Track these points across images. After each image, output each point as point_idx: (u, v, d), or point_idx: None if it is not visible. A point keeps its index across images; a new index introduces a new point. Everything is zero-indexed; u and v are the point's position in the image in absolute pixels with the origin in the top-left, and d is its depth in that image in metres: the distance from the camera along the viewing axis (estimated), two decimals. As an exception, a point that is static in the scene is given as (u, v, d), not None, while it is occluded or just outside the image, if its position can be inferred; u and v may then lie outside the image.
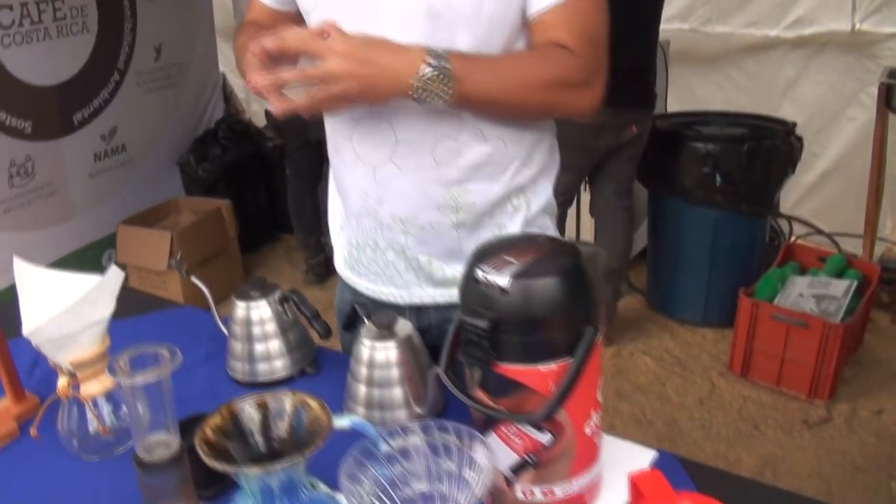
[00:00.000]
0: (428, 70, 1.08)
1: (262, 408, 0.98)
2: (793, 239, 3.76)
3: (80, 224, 3.80)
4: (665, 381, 3.13)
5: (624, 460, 1.16)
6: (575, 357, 0.93)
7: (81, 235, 3.78)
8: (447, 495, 0.82)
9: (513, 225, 1.32)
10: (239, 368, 1.42)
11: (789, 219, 3.87)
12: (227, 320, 1.47)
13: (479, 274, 0.94)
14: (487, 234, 1.30)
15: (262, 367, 1.40)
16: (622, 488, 1.10)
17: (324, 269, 4.06)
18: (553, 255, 0.97)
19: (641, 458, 1.17)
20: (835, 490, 2.49)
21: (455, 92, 1.11)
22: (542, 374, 0.94)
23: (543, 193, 1.35)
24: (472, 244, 1.29)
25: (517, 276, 0.92)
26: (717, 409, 2.93)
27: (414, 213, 1.27)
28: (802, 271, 3.25)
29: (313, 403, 0.97)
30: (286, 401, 0.98)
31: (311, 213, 4.01)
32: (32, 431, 1.28)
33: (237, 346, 1.42)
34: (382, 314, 1.27)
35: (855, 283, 3.03)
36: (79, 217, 3.80)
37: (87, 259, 3.76)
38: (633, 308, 3.69)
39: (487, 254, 0.97)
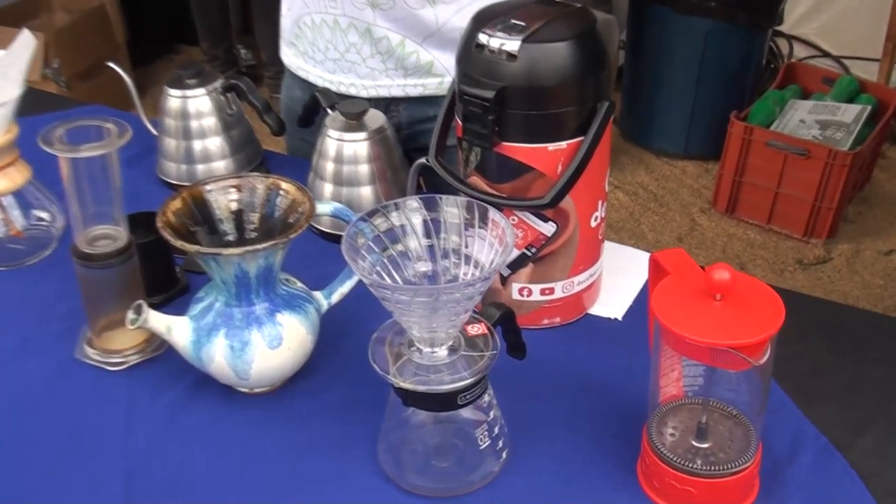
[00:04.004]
0: None
1: (231, 192, 1.03)
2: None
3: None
4: (640, 217, 3.28)
5: (620, 268, 1.25)
6: (588, 133, 1.00)
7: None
8: (456, 274, 0.89)
9: None
10: (173, 171, 1.46)
11: (790, 38, 3.95)
12: (155, 122, 1.50)
13: (484, 38, 0.99)
14: (471, 10, 1.34)
15: (200, 169, 1.44)
16: (621, 296, 1.21)
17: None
18: (565, 18, 1.02)
19: (641, 262, 1.24)
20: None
21: None
22: (551, 155, 1.02)
23: None
24: (454, 24, 1.33)
25: (527, 40, 0.97)
26: (698, 248, 3.10)
27: None
28: (805, 96, 3.36)
29: (289, 187, 1.03)
30: (258, 185, 1.03)
31: (218, 17, 3.93)
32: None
33: (170, 144, 1.45)
34: (350, 102, 1.32)
35: (868, 109, 3.15)
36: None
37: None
38: (604, 138, 3.79)
39: (491, 16, 1.02)
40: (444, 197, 0.90)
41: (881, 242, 3.12)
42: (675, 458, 0.89)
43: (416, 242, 0.90)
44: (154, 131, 1.49)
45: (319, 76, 1.46)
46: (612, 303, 1.21)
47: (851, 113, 3.15)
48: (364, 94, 1.43)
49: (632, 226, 3.24)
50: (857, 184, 3.20)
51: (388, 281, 0.88)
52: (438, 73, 1.40)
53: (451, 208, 0.90)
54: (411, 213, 0.90)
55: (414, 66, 1.39)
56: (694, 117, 3.53)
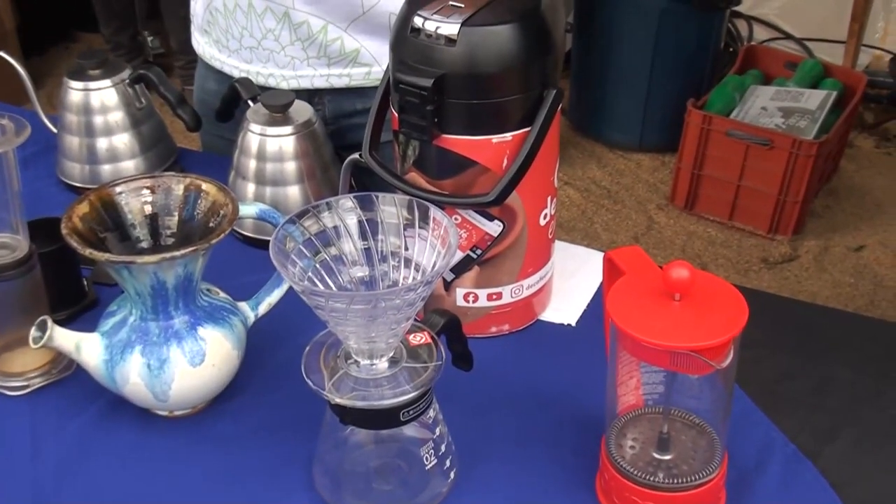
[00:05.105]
0: None
1: (145, 193, 1.03)
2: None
3: None
4: (592, 216, 3.33)
5: (573, 270, 1.28)
6: (535, 123, 1.03)
7: None
8: (395, 278, 0.91)
9: None
10: (76, 172, 1.46)
11: (749, 19, 4.03)
12: (53, 119, 1.49)
13: (419, 21, 1.01)
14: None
15: (106, 169, 1.44)
16: (574, 300, 1.24)
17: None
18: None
19: (594, 263, 1.26)
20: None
21: None
22: (495, 147, 1.04)
23: None
24: (383, 7, 1.35)
25: (467, 23, 0.99)
26: (656, 248, 3.16)
27: None
28: (766, 81, 3.44)
29: (209, 188, 1.03)
30: (174, 186, 1.04)
31: (121, 1, 3.90)
32: None
33: (72, 143, 1.45)
34: (274, 93, 1.33)
35: (834, 95, 3.23)
36: None
37: None
38: (551, 129, 3.83)
39: (427, -2, 1.04)
40: (380, 195, 0.91)
41: (851, 238, 3.20)
42: (635, 472, 0.92)
43: (350, 245, 0.92)
44: (53, 128, 1.48)
45: (235, 66, 1.47)
46: (565, 307, 1.23)
47: (816, 99, 3.23)
48: (284, 84, 1.44)
49: (584, 225, 3.28)
50: (823, 175, 3.28)
51: (322, 288, 0.89)
52: (365, 62, 1.42)
53: (389, 207, 0.91)
54: (345, 213, 0.91)
55: (338, 55, 1.41)
56: (648, 106, 3.58)
